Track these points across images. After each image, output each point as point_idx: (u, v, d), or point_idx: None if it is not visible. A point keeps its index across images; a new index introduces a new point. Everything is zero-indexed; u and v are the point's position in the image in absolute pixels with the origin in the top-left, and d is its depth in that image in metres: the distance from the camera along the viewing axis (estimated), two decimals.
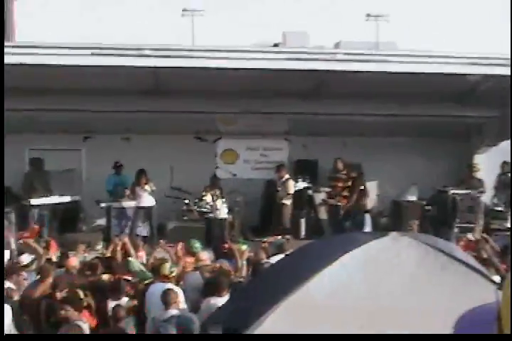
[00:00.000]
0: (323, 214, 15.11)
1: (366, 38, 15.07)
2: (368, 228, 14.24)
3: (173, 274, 8.38)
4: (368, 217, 14.63)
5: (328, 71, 12.69)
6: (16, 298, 7.75)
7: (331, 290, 3.58)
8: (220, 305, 7.60)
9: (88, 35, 14.23)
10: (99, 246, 12.33)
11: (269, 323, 3.31)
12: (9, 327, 7.30)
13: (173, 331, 6.91)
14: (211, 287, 8.17)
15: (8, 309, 7.53)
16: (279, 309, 3.40)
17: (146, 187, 13.92)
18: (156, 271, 8.74)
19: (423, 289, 3.89)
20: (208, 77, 12.87)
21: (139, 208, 13.98)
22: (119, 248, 10.10)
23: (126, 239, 10.34)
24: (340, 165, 14.59)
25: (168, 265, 8.48)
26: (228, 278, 8.54)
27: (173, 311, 7.34)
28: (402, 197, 15.59)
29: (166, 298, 7.58)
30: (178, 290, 8.02)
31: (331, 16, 15.87)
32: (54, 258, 9.83)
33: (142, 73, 12.79)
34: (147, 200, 14.02)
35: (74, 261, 9.34)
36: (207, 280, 8.54)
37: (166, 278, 8.34)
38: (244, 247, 9.81)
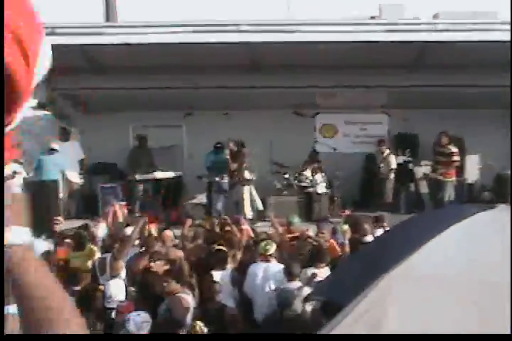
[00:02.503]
0: (424, 188, 14.79)
1: (463, 8, 14.56)
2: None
3: (269, 252, 8.29)
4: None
5: (428, 42, 12.33)
6: (121, 270, 7.93)
7: (437, 263, 3.45)
8: (318, 276, 7.60)
9: (186, 12, 14.35)
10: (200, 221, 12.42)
11: (373, 296, 3.22)
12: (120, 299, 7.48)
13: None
14: (311, 258, 8.17)
15: (121, 283, 7.72)
16: (382, 282, 3.29)
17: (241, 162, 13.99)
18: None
19: None
20: (305, 51, 12.72)
21: (236, 183, 14.08)
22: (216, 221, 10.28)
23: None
24: (444, 140, 14.15)
25: (263, 243, 8.44)
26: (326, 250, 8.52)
27: (297, 283, 7.37)
28: (506, 171, 15.07)
29: (289, 271, 7.62)
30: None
31: None
32: (154, 232, 10.02)
33: (240, 49, 12.77)
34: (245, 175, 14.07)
35: (169, 233, 9.47)
36: (309, 251, 8.53)
37: (263, 257, 8.32)
38: (345, 227, 9.69)
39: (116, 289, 7.57)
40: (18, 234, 1.36)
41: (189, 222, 10.44)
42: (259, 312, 7.67)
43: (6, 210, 1.34)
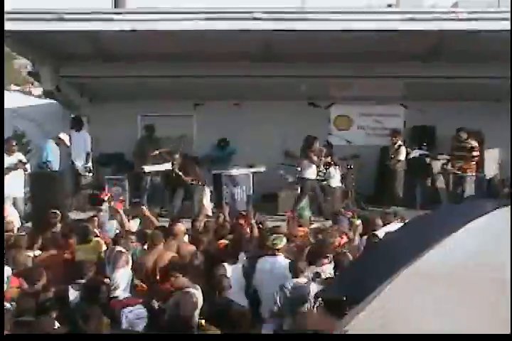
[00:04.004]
0: (440, 183, 14.76)
1: None
2: None
3: (278, 247, 8.26)
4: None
5: (447, 31, 12.26)
6: (126, 261, 7.96)
7: (455, 260, 3.45)
8: (322, 274, 7.63)
9: None
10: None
11: (388, 293, 3.24)
12: (124, 293, 7.52)
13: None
14: (313, 255, 8.17)
15: (127, 273, 7.74)
16: (397, 279, 3.31)
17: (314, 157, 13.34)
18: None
19: None
20: (320, 41, 12.70)
21: (302, 179, 13.45)
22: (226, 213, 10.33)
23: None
24: (463, 135, 14.19)
25: (271, 237, 8.43)
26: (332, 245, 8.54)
27: (303, 280, 7.38)
28: None
29: (295, 267, 7.61)
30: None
31: None
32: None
33: (253, 37, 12.75)
34: (313, 172, 13.39)
35: (181, 226, 9.49)
36: (310, 248, 8.54)
37: (270, 250, 8.30)
38: (357, 222, 9.69)
39: (121, 280, 7.60)
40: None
41: (204, 214, 10.53)
42: (266, 309, 7.67)
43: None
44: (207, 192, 13.73)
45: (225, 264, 8.02)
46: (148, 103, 15.44)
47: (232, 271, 7.94)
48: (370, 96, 15.69)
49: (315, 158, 13.23)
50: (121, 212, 9.98)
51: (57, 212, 10.64)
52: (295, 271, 7.57)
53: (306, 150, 13.32)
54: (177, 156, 13.84)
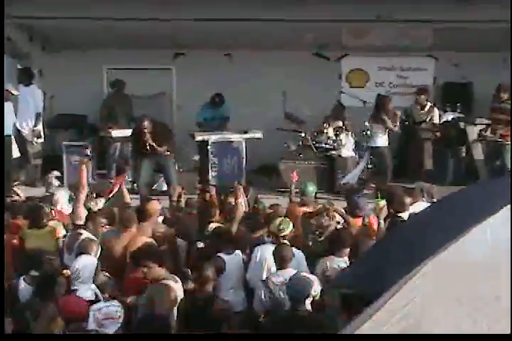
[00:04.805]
0: (478, 153, 14.73)
1: None
2: None
3: (284, 233, 8.24)
4: None
5: None
6: (95, 250, 7.92)
7: (494, 246, 3.48)
8: (338, 266, 7.64)
9: None
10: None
11: (412, 285, 3.27)
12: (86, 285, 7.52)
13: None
14: (334, 244, 8.16)
15: (91, 262, 7.71)
16: (425, 268, 3.33)
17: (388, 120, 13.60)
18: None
19: None
20: None
21: (373, 147, 13.83)
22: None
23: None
24: (504, 94, 14.08)
25: (277, 221, 8.39)
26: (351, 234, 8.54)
27: (291, 271, 7.37)
28: None
29: (280, 256, 7.58)
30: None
31: None
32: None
33: None
34: (383, 138, 13.84)
35: (155, 204, 9.42)
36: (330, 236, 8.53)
37: (274, 237, 8.28)
38: (382, 203, 9.61)
39: (83, 271, 7.55)
40: None
41: (179, 189, 10.49)
42: (260, 306, 7.64)
43: None
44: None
45: (221, 254, 8.00)
46: (117, 53, 15.34)
47: (228, 261, 7.91)
48: (391, 46, 15.63)
49: (389, 122, 13.54)
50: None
51: (17, 190, 10.63)
52: (281, 260, 7.53)
53: (379, 112, 13.61)
54: (146, 123, 12.70)
